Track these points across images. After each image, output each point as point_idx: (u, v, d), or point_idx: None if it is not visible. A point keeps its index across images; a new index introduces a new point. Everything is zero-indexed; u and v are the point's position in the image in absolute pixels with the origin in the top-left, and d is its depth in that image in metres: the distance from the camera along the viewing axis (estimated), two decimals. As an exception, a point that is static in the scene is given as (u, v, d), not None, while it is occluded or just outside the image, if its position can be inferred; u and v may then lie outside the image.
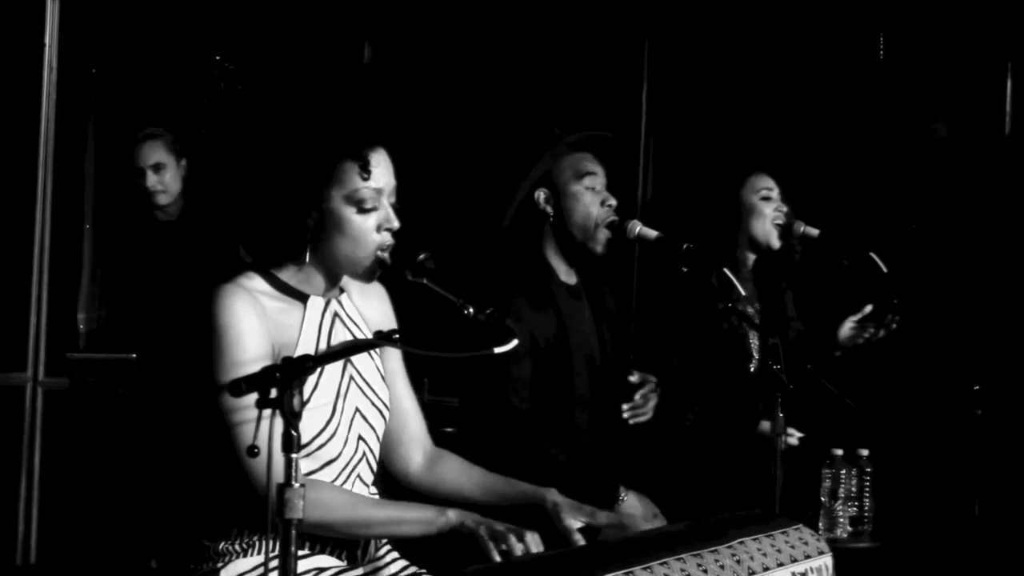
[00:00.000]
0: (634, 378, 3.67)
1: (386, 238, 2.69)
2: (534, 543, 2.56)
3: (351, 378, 2.76)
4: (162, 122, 5.37)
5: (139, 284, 5.24)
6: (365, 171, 2.65)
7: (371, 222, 2.67)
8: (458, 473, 2.97)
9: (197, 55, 5.83)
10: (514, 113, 5.75)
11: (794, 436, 4.26)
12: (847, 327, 4.32)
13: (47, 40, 5.61)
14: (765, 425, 4.12)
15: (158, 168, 5.24)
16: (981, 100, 5.21)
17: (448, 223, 5.58)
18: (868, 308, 4.30)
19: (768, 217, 4.30)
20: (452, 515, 2.65)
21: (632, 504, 3.52)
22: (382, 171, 2.70)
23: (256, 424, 2.12)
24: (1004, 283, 4.99)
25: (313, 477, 2.67)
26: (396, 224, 2.70)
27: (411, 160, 2.84)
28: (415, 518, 2.68)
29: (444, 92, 6.05)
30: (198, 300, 2.62)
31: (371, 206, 2.67)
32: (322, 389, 2.68)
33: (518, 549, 2.53)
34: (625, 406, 3.66)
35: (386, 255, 2.68)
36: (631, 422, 3.67)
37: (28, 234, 5.61)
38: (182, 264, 5.13)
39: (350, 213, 2.66)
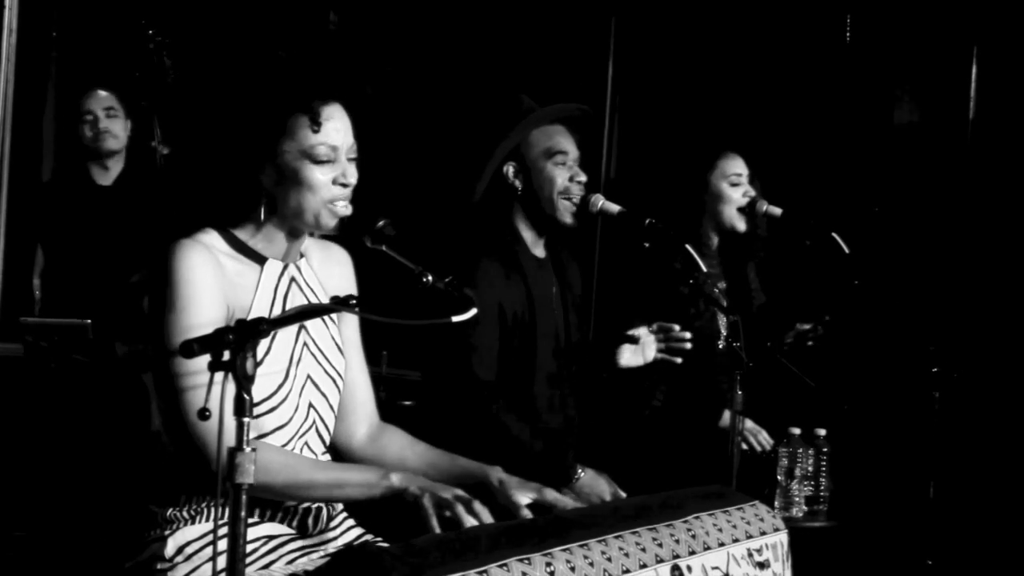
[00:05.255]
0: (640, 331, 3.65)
1: (341, 192, 2.66)
2: (484, 513, 2.53)
3: (305, 345, 2.73)
4: (122, 85, 5.38)
5: (79, 249, 5.23)
6: (315, 123, 2.62)
7: (327, 175, 2.64)
8: (401, 447, 2.94)
9: (153, 22, 5.77)
10: (481, 83, 5.72)
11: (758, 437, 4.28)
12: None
13: (7, 2, 5.54)
14: (726, 419, 4.12)
15: (110, 113, 5.34)
16: (946, 84, 5.21)
17: (416, 190, 5.56)
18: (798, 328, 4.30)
19: (735, 202, 4.30)
20: (395, 479, 2.61)
21: (589, 481, 3.51)
22: (336, 126, 2.66)
23: (208, 387, 2.08)
24: (964, 267, 5.01)
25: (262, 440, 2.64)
26: (352, 179, 2.68)
27: (379, 126, 2.81)
28: (357, 480, 2.64)
29: (412, 60, 6.02)
30: (154, 256, 2.58)
31: (325, 159, 2.63)
32: (275, 354, 2.64)
33: (467, 519, 2.51)
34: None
35: (339, 209, 2.65)
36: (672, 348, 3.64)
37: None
38: (116, 230, 5.13)
39: (305, 166, 2.63)
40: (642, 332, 3.63)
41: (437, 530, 2.50)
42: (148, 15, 5.85)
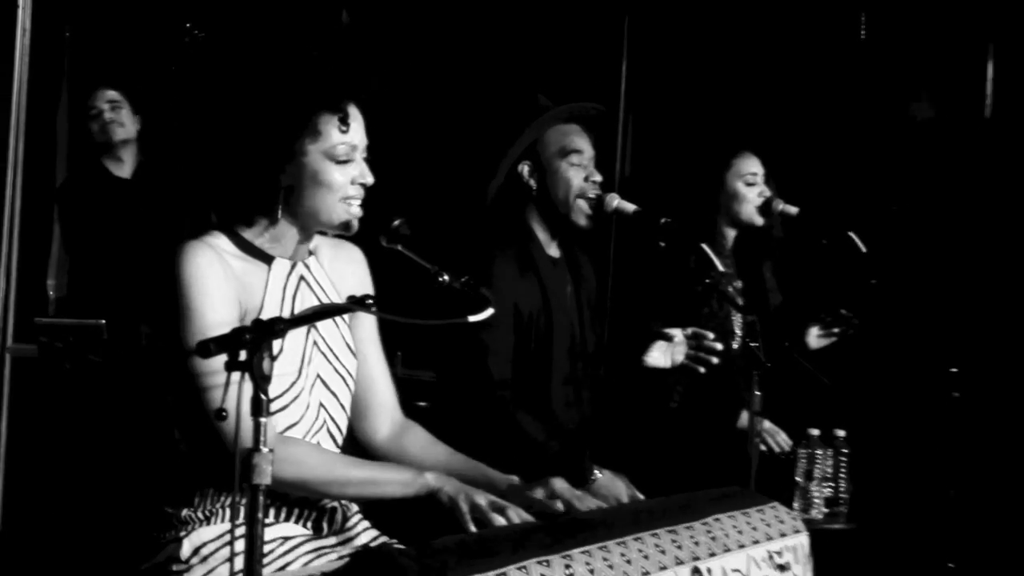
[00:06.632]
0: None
1: (357, 192, 2.66)
2: (517, 517, 2.51)
3: (315, 344, 2.72)
4: (128, 83, 5.42)
5: (99, 245, 5.24)
6: (344, 124, 2.64)
7: (347, 175, 2.65)
8: (423, 448, 2.91)
9: (167, 20, 5.79)
10: (496, 82, 5.71)
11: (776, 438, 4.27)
12: (813, 334, 4.31)
13: (20, 2, 5.54)
14: (743, 420, 4.10)
15: (114, 105, 5.42)
16: (962, 82, 5.19)
17: (430, 188, 5.55)
18: (827, 319, 4.29)
19: (751, 201, 4.30)
20: (431, 479, 2.61)
21: (606, 483, 3.47)
22: (357, 126, 2.68)
23: (224, 387, 2.06)
24: (983, 265, 4.98)
25: (287, 435, 2.63)
26: (370, 179, 2.68)
27: (393, 125, 2.80)
28: (392, 479, 2.63)
29: (424, 59, 6.01)
30: (163, 258, 2.57)
31: (345, 159, 2.65)
32: (287, 354, 2.63)
33: (499, 523, 2.49)
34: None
35: (354, 209, 2.64)
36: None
37: (-2, 198, 5.55)
38: (139, 222, 5.15)
39: (327, 167, 2.63)
40: (676, 333, 3.58)
41: (472, 529, 2.49)
42: (155, 14, 5.86)
